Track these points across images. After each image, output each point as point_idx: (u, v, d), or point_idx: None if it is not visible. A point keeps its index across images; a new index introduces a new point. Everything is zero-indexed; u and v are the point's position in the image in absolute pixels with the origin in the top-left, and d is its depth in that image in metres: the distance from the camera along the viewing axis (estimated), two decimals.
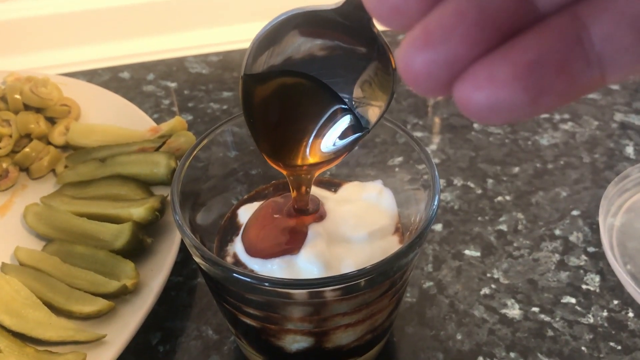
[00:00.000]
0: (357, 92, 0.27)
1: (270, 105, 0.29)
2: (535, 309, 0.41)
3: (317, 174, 0.31)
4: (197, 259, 0.30)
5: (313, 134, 0.29)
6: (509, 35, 0.15)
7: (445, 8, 0.15)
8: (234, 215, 0.37)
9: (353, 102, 0.27)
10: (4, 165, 0.49)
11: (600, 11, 0.14)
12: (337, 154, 0.29)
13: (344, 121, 0.28)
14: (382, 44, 0.25)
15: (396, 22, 0.16)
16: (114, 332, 0.36)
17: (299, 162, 0.30)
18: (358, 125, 0.28)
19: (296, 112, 0.29)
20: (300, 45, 0.26)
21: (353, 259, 0.33)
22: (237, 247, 0.35)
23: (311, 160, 0.30)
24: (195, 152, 0.34)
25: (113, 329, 0.36)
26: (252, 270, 0.33)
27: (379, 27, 0.20)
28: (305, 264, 0.32)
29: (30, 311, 0.37)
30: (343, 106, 0.28)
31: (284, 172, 0.31)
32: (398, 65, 0.15)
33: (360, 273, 0.28)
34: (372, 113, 0.27)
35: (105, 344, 0.36)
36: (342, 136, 0.28)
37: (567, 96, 0.15)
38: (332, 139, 0.29)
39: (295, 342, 0.32)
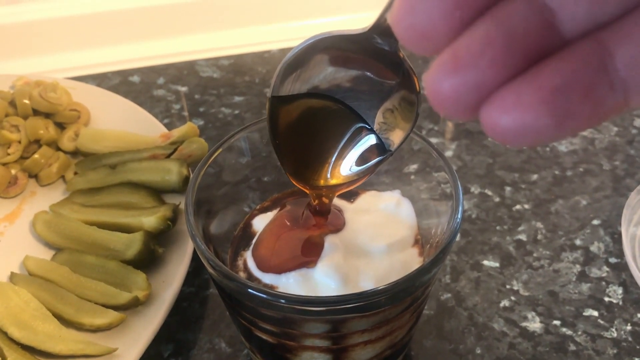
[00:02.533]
0: (381, 115, 0.27)
1: (297, 127, 0.29)
2: (557, 322, 0.40)
3: (338, 193, 0.32)
4: (211, 271, 0.29)
5: (338, 156, 0.29)
6: (535, 60, 0.15)
7: (473, 34, 0.15)
8: (247, 225, 0.36)
9: (378, 125, 0.28)
10: (13, 171, 0.48)
11: (624, 38, 0.15)
12: (360, 175, 0.29)
13: (368, 144, 0.28)
14: (408, 68, 0.25)
15: (424, 47, 0.16)
16: (125, 345, 0.35)
17: (324, 183, 0.30)
18: (382, 147, 0.28)
19: (322, 135, 0.29)
20: (327, 69, 0.27)
21: (372, 272, 0.32)
22: (251, 259, 0.34)
23: (335, 181, 0.30)
24: (209, 162, 0.34)
25: (124, 342, 0.36)
26: (266, 284, 0.32)
27: (406, 51, 0.20)
28: (323, 278, 0.31)
29: (40, 323, 0.36)
30: (368, 129, 0.28)
31: (308, 192, 0.31)
32: (426, 89, 0.16)
33: (382, 290, 0.27)
34: (396, 136, 0.28)
35: (116, 358, 0.35)
36: (366, 158, 0.29)
37: (592, 120, 0.15)
38: (356, 161, 0.29)
39: (313, 359, 0.31)
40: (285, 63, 0.27)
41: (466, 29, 0.15)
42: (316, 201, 0.32)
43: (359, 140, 0.28)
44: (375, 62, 0.26)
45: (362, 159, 0.29)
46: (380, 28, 0.23)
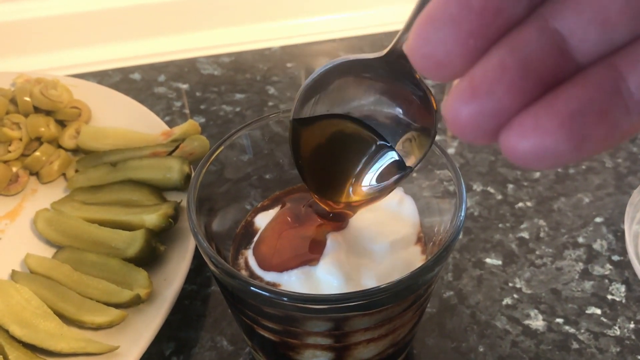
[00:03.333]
0: (400, 133, 0.28)
1: (318, 147, 0.31)
2: (560, 320, 0.40)
3: (359, 210, 0.32)
4: (213, 269, 0.29)
5: (360, 174, 0.30)
6: (551, 86, 0.15)
7: (489, 62, 0.15)
8: (249, 223, 0.36)
9: (397, 143, 0.29)
10: (14, 169, 0.48)
11: (635, 62, 0.15)
12: (382, 192, 0.30)
13: (388, 161, 0.30)
14: (424, 88, 0.26)
15: (441, 75, 0.16)
16: (127, 343, 0.35)
17: (346, 199, 0.31)
18: (402, 164, 0.29)
19: (343, 154, 0.30)
20: (345, 91, 0.28)
21: (374, 270, 0.32)
22: (252, 258, 0.34)
23: (357, 198, 0.31)
24: (210, 160, 0.33)
25: (126, 340, 0.35)
26: (268, 282, 0.32)
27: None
28: (325, 276, 0.31)
29: (41, 321, 0.36)
30: (387, 147, 0.29)
31: (329, 210, 0.32)
32: (445, 116, 0.16)
33: (384, 288, 0.27)
34: (415, 152, 0.29)
35: (118, 356, 0.35)
36: (387, 175, 0.30)
37: (609, 142, 0.15)
38: (377, 178, 0.30)
39: (315, 357, 0.31)
40: (305, 87, 0.28)
41: (481, 57, 0.16)
42: (334, 212, 0.33)
43: (379, 158, 0.30)
44: (393, 83, 0.27)
45: (382, 176, 0.30)
46: (396, 52, 0.24)
